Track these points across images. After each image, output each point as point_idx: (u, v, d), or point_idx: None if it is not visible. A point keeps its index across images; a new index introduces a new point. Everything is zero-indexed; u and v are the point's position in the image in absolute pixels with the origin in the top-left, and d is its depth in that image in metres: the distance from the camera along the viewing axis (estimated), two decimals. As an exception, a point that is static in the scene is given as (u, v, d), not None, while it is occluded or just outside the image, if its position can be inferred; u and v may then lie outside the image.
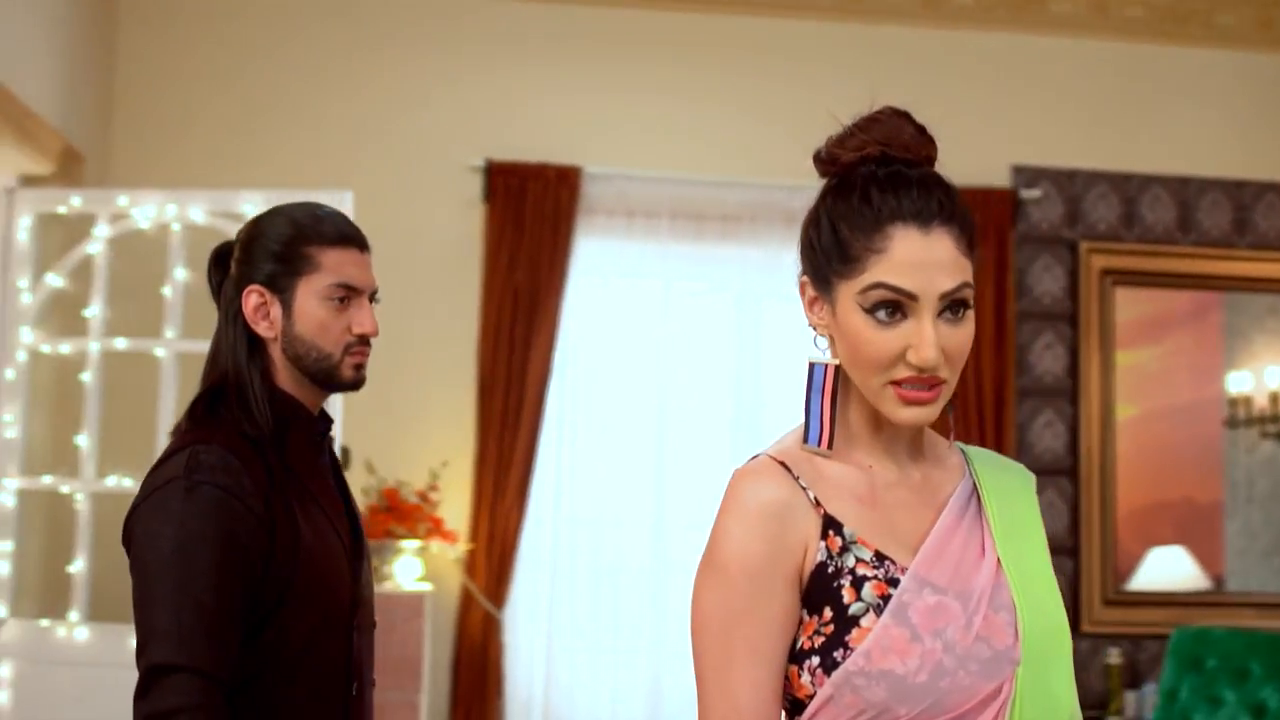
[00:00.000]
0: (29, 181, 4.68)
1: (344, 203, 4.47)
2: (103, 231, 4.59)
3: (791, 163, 5.26)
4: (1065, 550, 5.51)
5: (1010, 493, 1.58)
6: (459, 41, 5.46)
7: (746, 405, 5.43)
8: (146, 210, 4.57)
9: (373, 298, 2.17)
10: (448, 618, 5.21)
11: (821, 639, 1.45)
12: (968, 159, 5.47)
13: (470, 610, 5.16)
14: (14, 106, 4.32)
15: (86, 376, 4.56)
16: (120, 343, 4.57)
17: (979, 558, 1.51)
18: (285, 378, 2.09)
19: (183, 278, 4.56)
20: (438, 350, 5.34)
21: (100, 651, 4.41)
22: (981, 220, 5.49)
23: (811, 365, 1.55)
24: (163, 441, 4.53)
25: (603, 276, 5.46)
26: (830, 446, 1.52)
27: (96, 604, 4.51)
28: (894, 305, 1.45)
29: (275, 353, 2.09)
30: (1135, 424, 5.58)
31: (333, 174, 5.08)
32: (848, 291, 1.47)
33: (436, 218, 5.40)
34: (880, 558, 1.48)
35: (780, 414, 5.37)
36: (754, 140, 5.51)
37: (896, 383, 1.46)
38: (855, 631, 1.43)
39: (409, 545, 4.99)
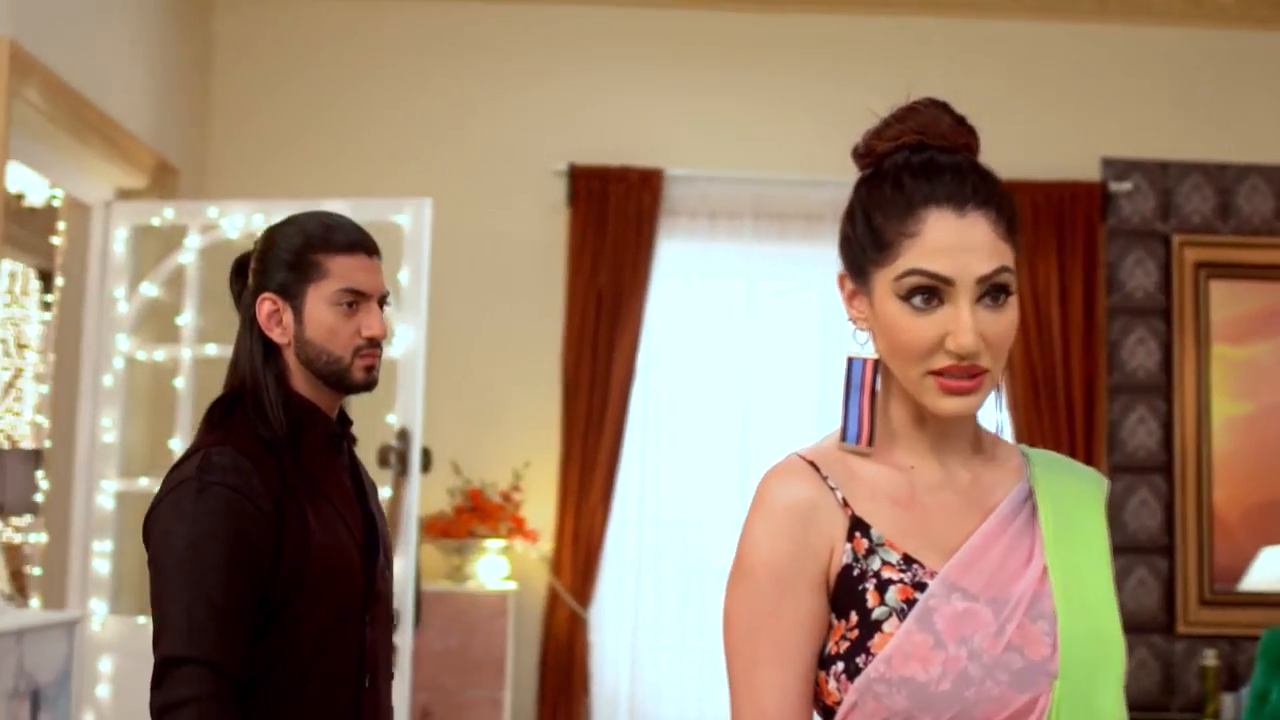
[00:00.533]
0: (124, 195, 4.85)
1: (423, 210, 4.57)
2: (194, 242, 4.75)
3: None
4: (1159, 550, 5.40)
5: (1070, 498, 1.51)
6: (541, 48, 5.53)
7: (831, 404, 5.41)
8: (235, 220, 4.72)
9: (383, 302, 2.23)
10: (534, 617, 5.29)
11: (847, 644, 1.41)
12: (1056, 153, 5.43)
13: (556, 609, 5.23)
14: (108, 126, 4.49)
15: (179, 382, 4.72)
16: (211, 349, 4.72)
17: (1023, 565, 1.44)
18: (300, 381, 2.16)
19: (270, 285, 4.69)
20: (523, 353, 5.42)
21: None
22: (1070, 214, 5.42)
23: (850, 360, 1.51)
24: (252, 445, 4.68)
25: (686, 278, 5.49)
26: (871, 444, 1.48)
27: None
28: (930, 291, 1.40)
29: (290, 357, 2.16)
30: (1247, 421, 5.44)
31: (418, 181, 5.18)
32: (883, 280, 1.43)
33: (521, 222, 5.48)
34: (908, 561, 1.43)
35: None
36: (836, 138, 5.43)
37: (937, 373, 1.41)
38: (878, 637, 1.39)
39: (493, 545, 5.07)
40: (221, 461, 2.00)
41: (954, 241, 1.40)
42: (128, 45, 4.70)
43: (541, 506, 5.30)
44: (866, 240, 1.45)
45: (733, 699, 1.44)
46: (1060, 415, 5.33)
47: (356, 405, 4.70)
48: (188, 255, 4.75)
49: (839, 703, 1.40)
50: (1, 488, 4.03)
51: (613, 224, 5.40)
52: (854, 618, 1.41)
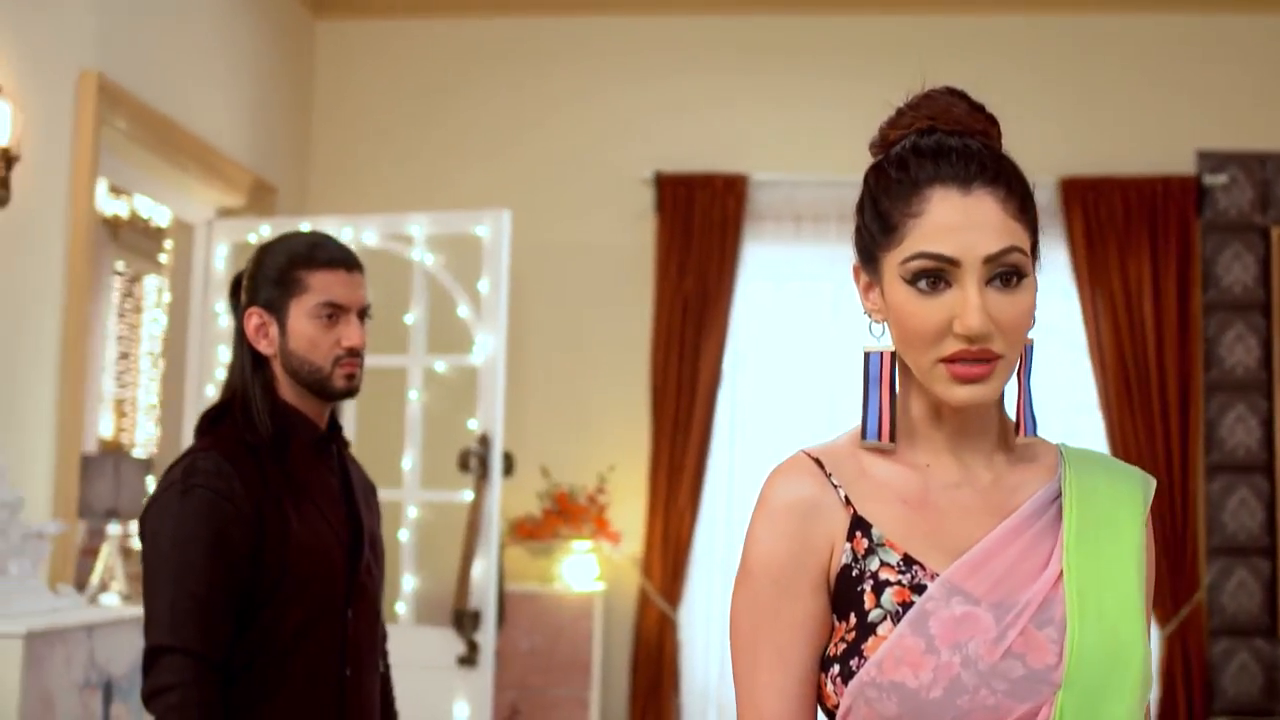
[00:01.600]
0: (225, 214, 5.09)
1: (502, 221, 4.71)
2: (288, 257, 4.96)
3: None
4: (1261, 551, 5.27)
5: (1103, 499, 1.43)
6: (624, 59, 5.64)
7: (920, 405, 5.41)
8: (325, 236, 4.91)
9: (364, 314, 2.35)
10: (625, 618, 5.39)
11: (844, 646, 1.36)
12: (1149, 147, 5.35)
13: (646, 610, 5.33)
14: (203, 149, 4.73)
15: (276, 391, 4.93)
16: (305, 359, 4.93)
17: (1039, 569, 1.37)
18: (287, 390, 2.30)
19: (359, 297, 4.88)
20: (611, 358, 5.53)
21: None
22: (1164, 209, 5.33)
23: (866, 354, 1.44)
24: (345, 450, 4.87)
25: (773, 282, 5.54)
26: (892, 440, 1.42)
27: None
28: (936, 274, 1.34)
29: (277, 368, 2.30)
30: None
31: (507, 193, 5.33)
32: (891, 264, 1.37)
33: (609, 229, 5.59)
34: (909, 562, 1.37)
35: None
36: (920, 139, 5.48)
37: (948, 360, 1.34)
38: (871, 639, 1.34)
39: (579, 547, 5.19)
40: (205, 466, 2.15)
41: (958, 220, 1.34)
42: (224, 72, 4.93)
43: (628, 508, 5.40)
44: (874, 226, 1.40)
45: (736, 701, 1.41)
46: (1155, 414, 5.24)
47: (438, 410, 4.87)
48: (282, 270, 4.96)
49: (837, 706, 1.36)
50: (118, 494, 4.27)
51: (699, 230, 5.48)
52: (852, 619, 1.37)
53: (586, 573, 5.25)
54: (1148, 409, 5.25)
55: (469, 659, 4.53)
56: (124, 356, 7.54)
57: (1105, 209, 5.34)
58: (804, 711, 1.38)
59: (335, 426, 2.39)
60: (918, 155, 1.40)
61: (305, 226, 4.88)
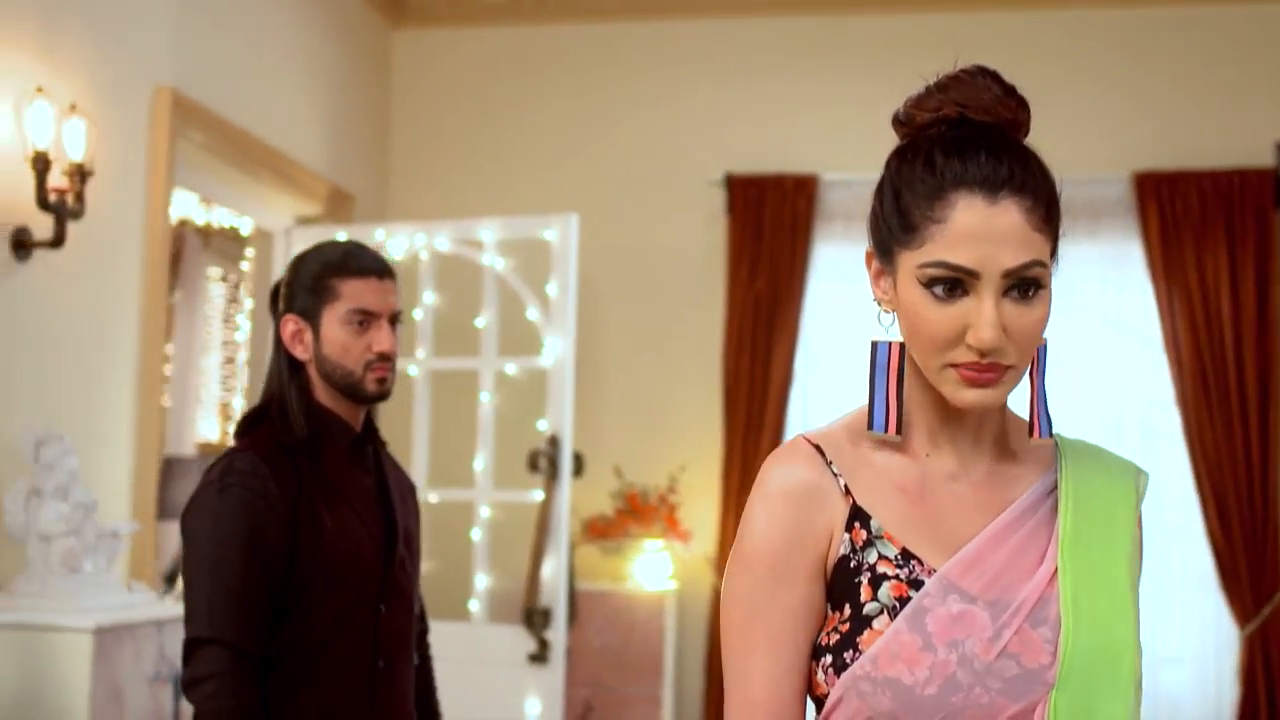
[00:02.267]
0: (303, 222, 5.22)
1: (569, 225, 4.78)
2: (363, 263, 5.08)
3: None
4: (1346, 549, 5.16)
5: (1098, 494, 1.42)
6: (693, 62, 5.68)
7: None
8: (399, 242, 5.03)
9: (395, 320, 2.43)
10: (700, 617, 5.43)
11: (837, 637, 1.35)
12: (1227, 139, 5.29)
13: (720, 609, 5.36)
14: (283, 162, 4.87)
15: (352, 395, 5.05)
16: (380, 363, 5.04)
17: (1034, 566, 1.36)
18: (322, 394, 2.39)
19: (431, 302, 5.00)
20: (683, 360, 5.58)
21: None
22: (1240, 203, 5.25)
23: (874, 344, 1.42)
24: (420, 450, 4.99)
25: (844, 281, 5.54)
26: (899, 431, 1.39)
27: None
28: (953, 282, 1.31)
29: (312, 372, 2.39)
30: None
31: (579, 197, 5.41)
32: (908, 263, 1.34)
33: (680, 231, 5.64)
34: (906, 556, 1.35)
35: (1021, 409, 5.30)
36: (991, 136, 5.46)
37: (955, 365, 1.32)
38: (867, 633, 1.32)
39: (651, 545, 5.25)
40: (241, 466, 2.24)
41: (982, 231, 1.30)
42: (300, 84, 5.06)
43: (699, 508, 5.44)
44: (894, 220, 1.36)
45: (726, 686, 1.39)
46: (1233, 411, 5.16)
47: (509, 411, 4.95)
48: (358, 276, 5.08)
49: (826, 695, 1.35)
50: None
51: (769, 231, 5.50)
52: (847, 610, 1.35)
53: (659, 572, 5.30)
54: (1225, 406, 5.17)
55: (540, 656, 4.61)
56: (229, 361, 7.77)
57: (1181, 203, 5.27)
58: (796, 699, 1.37)
59: (371, 428, 2.47)
60: (945, 153, 1.35)
61: (379, 234, 5.01)
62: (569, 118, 5.78)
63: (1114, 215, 5.37)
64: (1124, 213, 5.35)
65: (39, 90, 3.42)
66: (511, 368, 4.94)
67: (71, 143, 3.53)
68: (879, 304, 1.41)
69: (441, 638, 4.81)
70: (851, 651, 1.33)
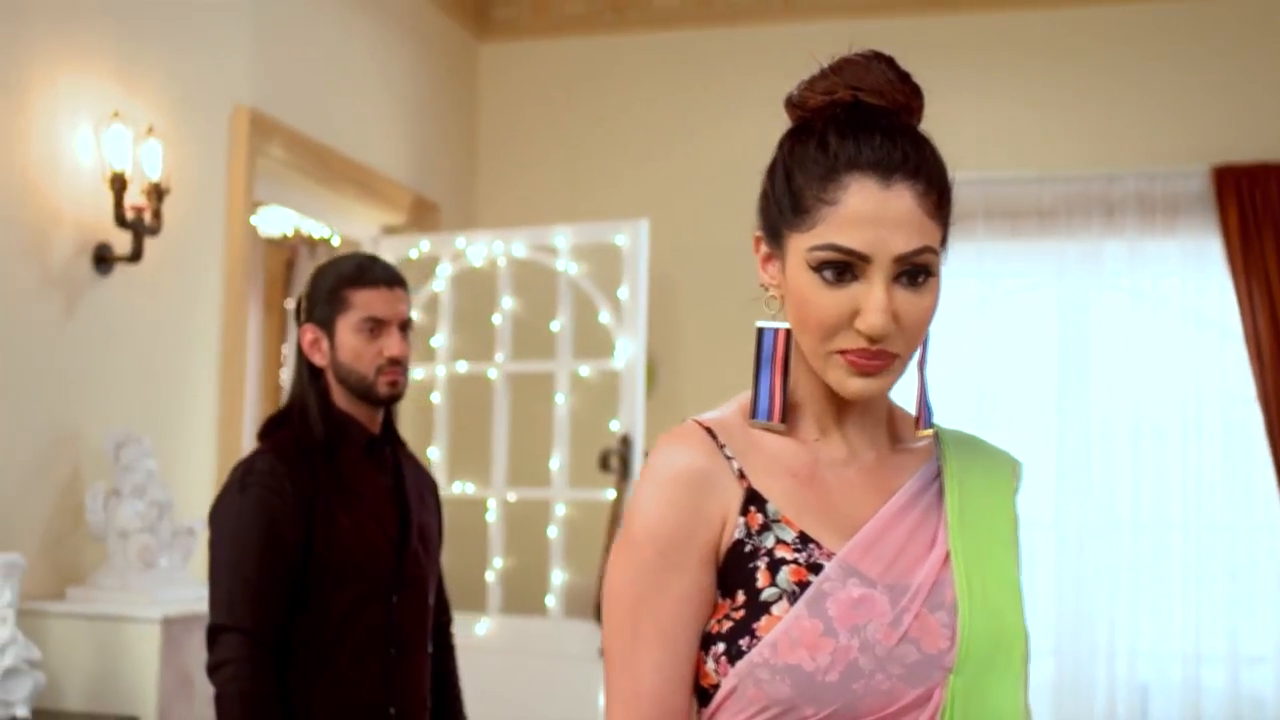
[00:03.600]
0: (389, 231, 5.42)
1: (640, 230, 4.91)
2: (445, 270, 5.27)
3: (1106, 152, 5.29)
4: None
5: (979, 481, 1.42)
6: (767, 68, 5.76)
7: (1071, 400, 5.37)
8: (478, 249, 5.20)
9: (405, 327, 2.58)
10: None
11: (730, 624, 1.31)
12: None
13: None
14: (367, 175, 5.07)
15: (435, 396, 5.25)
16: (461, 366, 5.23)
17: (925, 550, 1.35)
18: (340, 398, 2.55)
19: (509, 307, 5.16)
20: (747, 367, 5.64)
21: (456, 636, 5.04)
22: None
23: (760, 330, 1.40)
24: (499, 452, 5.15)
25: (921, 280, 5.56)
26: (783, 420, 1.38)
27: (451, 595, 5.16)
28: (843, 266, 1.29)
29: (330, 378, 2.55)
30: None
31: (665, 201, 5.55)
32: (798, 246, 1.32)
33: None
34: (805, 540, 1.32)
35: (1108, 407, 5.30)
36: (1065, 132, 5.46)
37: (843, 352, 1.31)
38: (765, 619, 1.29)
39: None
40: (260, 467, 2.42)
41: (874, 214, 1.28)
42: (383, 98, 5.27)
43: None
44: (785, 202, 1.34)
45: (609, 675, 1.34)
46: (1318, 406, 5.09)
47: (583, 412, 5.09)
48: (439, 283, 5.28)
49: (716, 685, 1.31)
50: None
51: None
52: (741, 597, 1.31)
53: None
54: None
55: (611, 650, 4.73)
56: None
57: (1261, 196, 5.20)
58: (684, 689, 1.33)
59: (390, 430, 2.63)
60: (839, 135, 1.33)
61: (460, 242, 5.19)
62: (648, 124, 5.90)
63: (1193, 210, 5.31)
64: (1203, 207, 5.30)
65: (115, 115, 3.64)
66: (585, 370, 5.08)
67: (149, 163, 3.75)
68: (766, 289, 1.40)
69: (520, 633, 5.01)
70: (748, 638, 1.29)
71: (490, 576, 5.13)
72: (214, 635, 2.37)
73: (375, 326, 2.53)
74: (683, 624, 1.32)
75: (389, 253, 5.37)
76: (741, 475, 1.35)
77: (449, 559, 5.13)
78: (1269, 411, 5.13)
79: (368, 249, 5.42)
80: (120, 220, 3.66)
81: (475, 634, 4.98)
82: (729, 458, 1.36)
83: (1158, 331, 5.34)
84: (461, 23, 5.90)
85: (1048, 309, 5.49)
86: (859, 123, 1.34)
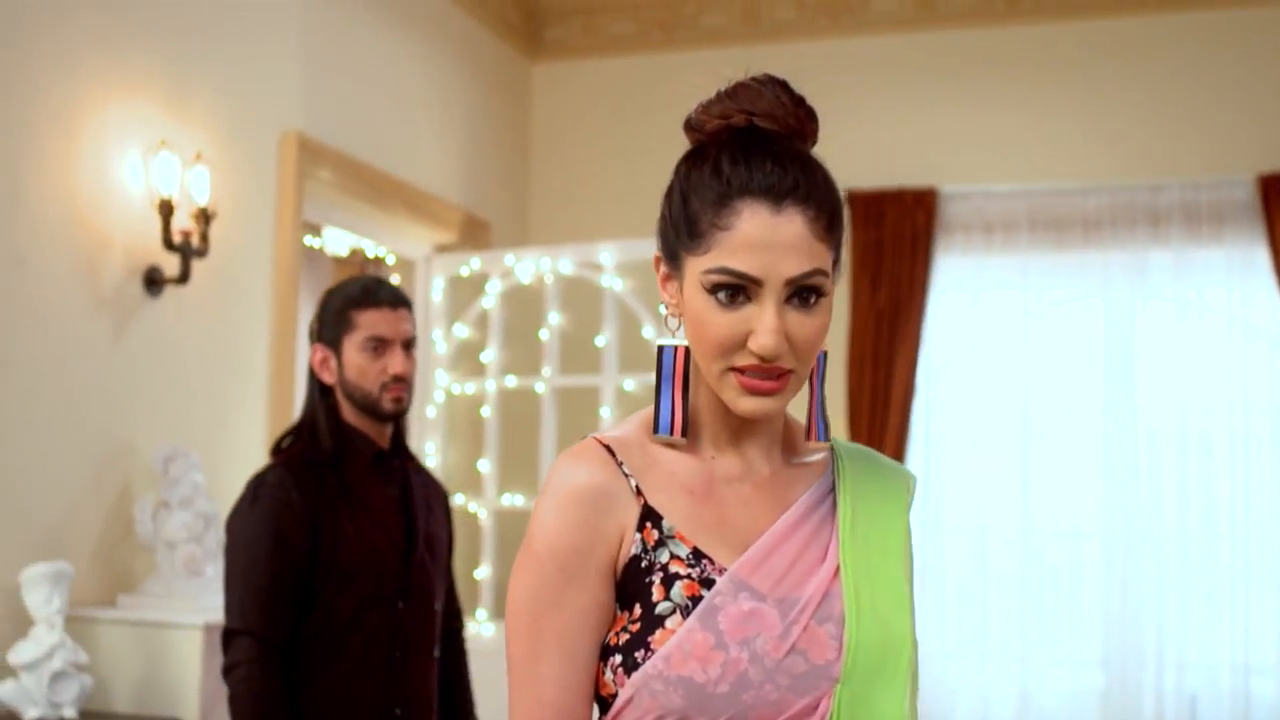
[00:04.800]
0: (441, 249, 5.57)
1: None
2: (494, 287, 5.40)
3: (1151, 161, 5.32)
4: None
5: (872, 495, 1.46)
6: (811, 81, 5.81)
7: (1118, 410, 5.38)
8: (526, 267, 5.32)
9: (409, 345, 2.69)
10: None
11: (627, 636, 1.35)
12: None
13: (845, 615, 5.48)
14: (417, 195, 5.22)
15: (486, 411, 5.38)
16: (510, 381, 5.35)
17: (816, 564, 1.40)
18: (348, 414, 2.68)
19: (556, 322, 5.28)
20: (806, 372, 5.71)
21: (504, 645, 5.17)
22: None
23: (660, 349, 1.44)
24: (547, 464, 5.27)
25: (967, 293, 5.61)
26: (684, 435, 1.42)
27: (500, 604, 5.30)
28: (736, 289, 1.34)
29: (339, 395, 2.68)
30: None
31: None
32: (694, 269, 1.36)
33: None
34: (698, 556, 1.37)
35: (1155, 418, 5.30)
36: (1109, 142, 5.47)
37: (738, 370, 1.35)
38: (659, 632, 1.34)
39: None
40: (271, 480, 2.56)
41: (766, 239, 1.33)
42: (433, 119, 5.42)
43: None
44: (681, 226, 1.38)
45: (511, 688, 1.39)
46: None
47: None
48: (489, 299, 5.41)
49: (615, 695, 1.36)
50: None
51: (890, 245, 5.61)
52: (637, 610, 1.36)
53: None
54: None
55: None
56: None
57: (1308, 205, 5.18)
58: (584, 702, 1.37)
59: (398, 443, 2.75)
60: (732, 160, 1.37)
61: (509, 259, 5.32)
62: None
63: (1239, 218, 5.30)
64: (1249, 215, 5.29)
65: (162, 143, 3.81)
66: (630, 384, 5.17)
67: (196, 188, 3.92)
68: (666, 308, 1.44)
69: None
70: (643, 651, 1.33)
71: (539, 586, 5.24)
72: (227, 639, 2.51)
73: (379, 345, 2.66)
74: (582, 636, 1.36)
75: (440, 270, 5.53)
76: (638, 492, 1.40)
77: (498, 569, 5.28)
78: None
79: (420, 267, 5.58)
80: (168, 244, 3.83)
81: (524, 642, 5.08)
82: (627, 475, 1.40)
83: (1204, 342, 5.33)
84: (514, 44, 6.04)
85: (1094, 320, 5.50)
86: (751, 148, 1.37)
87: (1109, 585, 5.32)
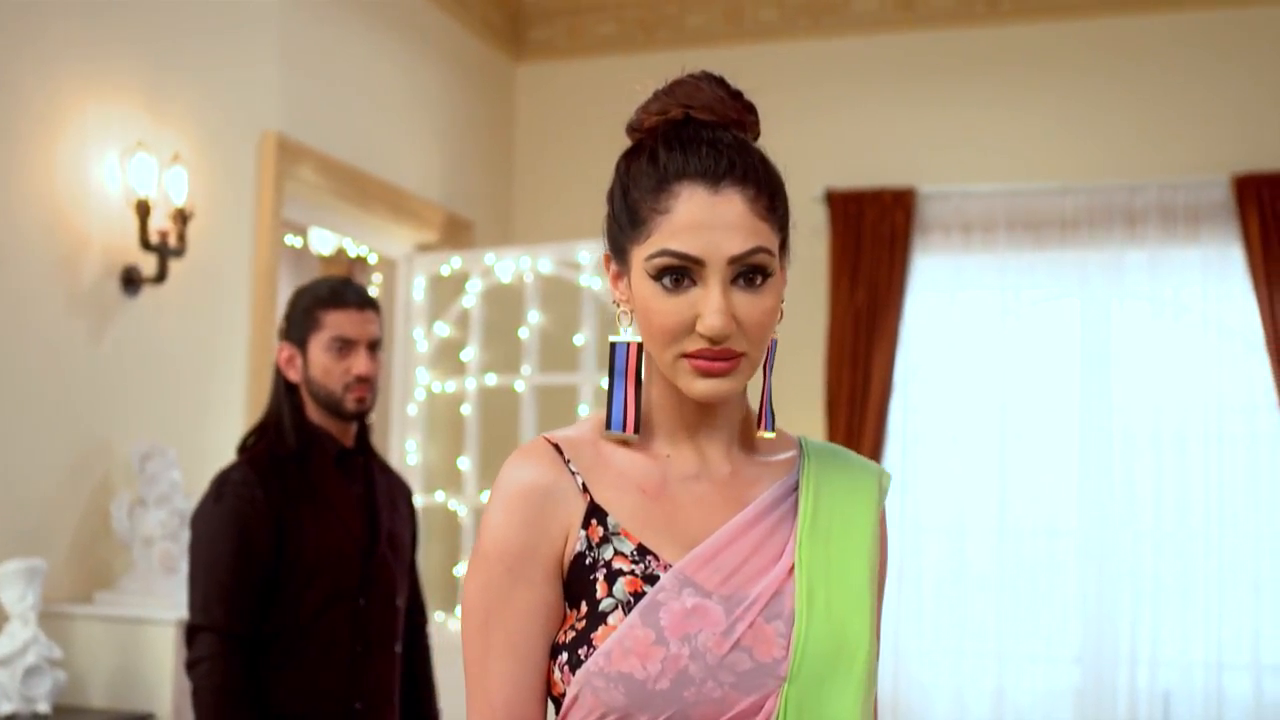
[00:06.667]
0: (422, 249, 5.60)
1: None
2: (475, 286, 5.44)
3: (1127, 162, 5.36)
4: None
5: (839, 493, 1.44)
6: (793, 84, 5.87)
7: (1094, 408, 5.42)
8: (506, 265, 5.36)
9: (374, 347, 2.73)
10: (804, 618, 5.60)
11: (573, 634, 1.35)
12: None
13: (823, 612, 5.52)
14: (398, 195, 5.26)
15: (466, 409, 5.42)
16: (490, 379, 5.39)
17: (771, 562, 1.38)
18: (312, 412, 2.72)
19: (536, 321, 5.31)
20: (786, 370, 5.67)
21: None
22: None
23: (613, 345, 1.43)
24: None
25: (944, 292, 5.65)
26: (637, 431, 1.41)
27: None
28: (680, 271, 1.33)
29: (304, 393, 2.72)
30: None
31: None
32: (638, 258, 1.36)
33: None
34: (643, 552, 1.36)
35: (1130, 416, 5.34)
36: (1086, 143, 5.51)
37: (690, 355, 1.34)
38: (601, 629, 1.33)
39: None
40: (235, 477, 2.60)
41: (705, 219, 1.33)
42: (415, 120, 5.45)
43: (797, 515, 5.61)
44: (623, 218, 1.39)
45: (467, 688, 1.40)
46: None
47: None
48: (470, 298, 5.45)
49: (564, 694, 1.35)
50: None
51: (869, 244, 5.65)
52: (583, 608, 1.35)
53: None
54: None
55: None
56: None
57: (1282, 205, 5.22)
58: (535, 700, 1.37)
59: (363, 442, 2.79)
60: (667, 147, 1.38)
61: (489, 258, 5.35)
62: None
63: (1214, 219, 5.34)
64: (1224, 216, 5.33)
65: (139, 144, 3.85)
66: (607, 382, 5.20)
67: (174, 189, 3.95)
68: (618, 305, 1.43)
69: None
70: (586, 648, 1.33)
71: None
72: (191, 634, 2.55)
73: (345, 346, 2.70)
74: (530, 636, 1.36)
75: (421, 270, 5.56)
76: (585, 489, 1.39)
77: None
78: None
79: (401, 266, 5.61)
80: (145, 244, 3.87)
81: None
82: (574, 473, 1.40)
83: (1180, 341, 5.37)
84: (497, 45, 6.08)
85: (1070, 319, 5.54)
86: (687, 136, 1.38)
87: (1084, 583, 5.36)
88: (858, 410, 5.57)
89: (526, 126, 6.25)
